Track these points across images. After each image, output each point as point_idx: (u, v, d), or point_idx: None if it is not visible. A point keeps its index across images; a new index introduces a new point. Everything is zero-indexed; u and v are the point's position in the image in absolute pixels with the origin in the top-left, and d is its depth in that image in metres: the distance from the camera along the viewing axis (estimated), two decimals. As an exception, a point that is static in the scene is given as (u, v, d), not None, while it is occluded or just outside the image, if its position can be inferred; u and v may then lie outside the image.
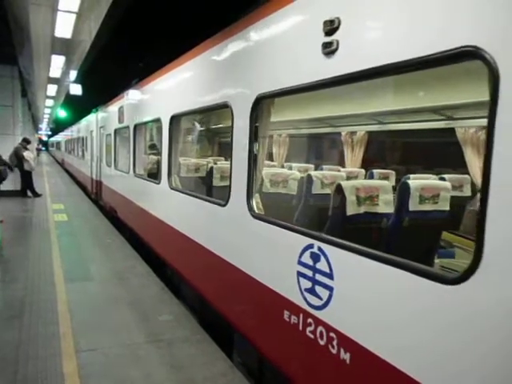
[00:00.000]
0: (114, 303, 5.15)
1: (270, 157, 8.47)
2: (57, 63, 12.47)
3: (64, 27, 8.67)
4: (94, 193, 13.59)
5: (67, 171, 27.34)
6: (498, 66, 1.68)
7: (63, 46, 10.43)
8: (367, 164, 7.12)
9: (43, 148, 68.98)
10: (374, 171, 6.25)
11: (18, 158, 12.74)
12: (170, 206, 5.94)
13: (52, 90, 18.69)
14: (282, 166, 7.61)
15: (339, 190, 3.20)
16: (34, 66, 13.07)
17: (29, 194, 13.71)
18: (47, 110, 32.13)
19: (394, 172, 6.27)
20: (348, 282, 2.48)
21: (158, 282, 6.09)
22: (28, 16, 8.02)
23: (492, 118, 1.69)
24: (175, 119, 5.67)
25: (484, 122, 1.80)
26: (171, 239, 5.73)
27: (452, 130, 5.19)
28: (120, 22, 11.19)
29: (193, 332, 4.45)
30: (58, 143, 44.19)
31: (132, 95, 8.29)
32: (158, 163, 6.38)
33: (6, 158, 11.60)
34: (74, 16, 7.89)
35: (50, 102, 25.42)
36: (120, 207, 9.53)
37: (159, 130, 6.25)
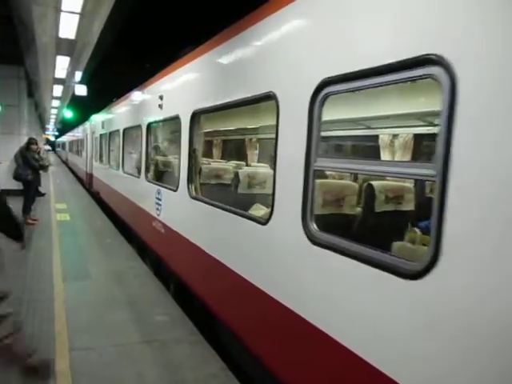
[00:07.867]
0: (110, 303, 5.16)
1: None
2: (62, 64, 12.52)
3: (68, 28, 8.71)
4: (88, 183, 16.52)
5: (72, 171, 27.60)
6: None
7: (68, 47, 10.48)
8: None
9: (50, 149, 69.03)
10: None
11: (22, 156, 12.66)
12: (125, 185, 9.06)
13: (58, 90, 18.76)
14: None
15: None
16: (39, 66, 13.15)
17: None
18: (54, 111, 32.27)
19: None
20: (164, 200, 5.88)
21: (156, 282, 6.10)
22: (32, 16, 8.07)
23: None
24: (127, 130, 9.09)
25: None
26: (127, 206, 8.63)
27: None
28: (123, 23, 11.26)
29: (188, 333, 4.45)
30: (63, 144, 47.64)
31: (109, 110, 12.07)
32: (122, 159, 9.37)
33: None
34: (77, 17, 7.92)
35: (56, 103, 25.55)
36: (101, 189, 13.09)
37: (119, 136, 9.54)
